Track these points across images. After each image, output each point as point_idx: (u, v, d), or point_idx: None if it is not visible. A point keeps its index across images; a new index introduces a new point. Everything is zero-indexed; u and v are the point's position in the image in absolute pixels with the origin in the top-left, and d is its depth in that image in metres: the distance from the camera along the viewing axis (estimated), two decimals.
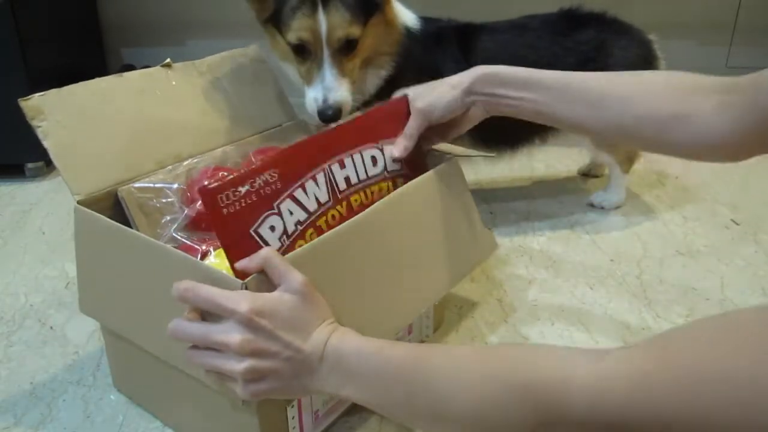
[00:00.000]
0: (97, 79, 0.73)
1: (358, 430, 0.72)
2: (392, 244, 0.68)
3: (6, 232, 1.16)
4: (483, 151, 1.15)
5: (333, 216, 0.66)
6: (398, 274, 0.68)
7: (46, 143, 0.66)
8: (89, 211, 0.66)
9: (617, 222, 1.19)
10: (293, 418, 0.63)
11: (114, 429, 0.72)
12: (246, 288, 0.53)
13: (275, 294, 0.53)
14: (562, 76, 0.68)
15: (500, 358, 0.47)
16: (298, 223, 0.62)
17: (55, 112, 0.68)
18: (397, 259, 0.68)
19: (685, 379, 0.35)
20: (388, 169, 0.73)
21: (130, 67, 1.76)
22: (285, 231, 0.61)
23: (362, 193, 0.70)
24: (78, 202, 0.67)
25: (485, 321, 0.90)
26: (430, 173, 0.74)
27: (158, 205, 0.71)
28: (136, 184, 0.71)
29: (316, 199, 0.64)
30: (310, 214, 0.63)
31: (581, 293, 0.97)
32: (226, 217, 0.56)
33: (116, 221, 0.64)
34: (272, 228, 0.59)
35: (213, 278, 0.54)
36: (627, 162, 1.22)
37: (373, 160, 0.72)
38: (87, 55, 1.67)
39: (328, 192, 0.65)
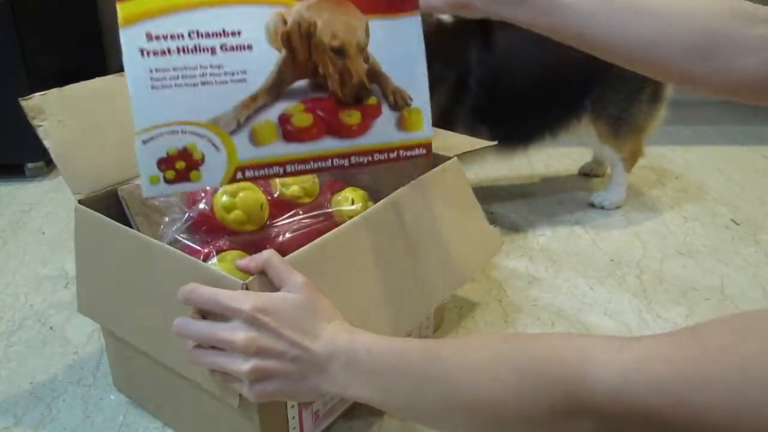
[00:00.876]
0: (97, 79, 0.73)
1: (358, 430, 0.72)
2: (395, 244, 0.68)
3: (6, 232, 1.16)
4: (495, 147, 1.16)
5: None
6: (402, 274, 0.68)
7: (47, 143, 0.66)
8: (90, 210, 0.66)
9: (617, 222, 1.19)
10: (293, 418, 0.63)
11: (114, 429, 0.72)
12: (246, 288, 0.53)
13: (279, 293, 0.53)
14: None
15: (514, 345, 0.45)
16: None
17: (56, 112, 0.68)
18: (401, 259, 0.68)
19: (722, 372, 0.34)
20: None
21: None
22: None
23: None
24: (79, 202, 0.67)
25: (485, 321, 0.90)
26: (431, 173, 0.74)
27: (157, 203, 0.71)
28: (138, 182, 0.71)
29: None
30: None
31: (581, 293, 0.97)
32: None
33: (117, 221, 0.64)
34: None
35: (214, 279, 0.54)
36: (630, 160, 1.22)
37: None
38: (87, 55, 1.67)
39: None
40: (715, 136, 1.62)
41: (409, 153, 0.65)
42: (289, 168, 0.60)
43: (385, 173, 0.81)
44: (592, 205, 1.24)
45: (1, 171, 1.38)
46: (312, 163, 0.61)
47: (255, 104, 0.58)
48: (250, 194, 0.70)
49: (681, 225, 1.18)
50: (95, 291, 0.69)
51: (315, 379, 0.51)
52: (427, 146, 0.66)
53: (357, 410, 0.73)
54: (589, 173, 1.40)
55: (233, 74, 0.57)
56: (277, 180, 0.75)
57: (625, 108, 1.15)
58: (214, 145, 0.57)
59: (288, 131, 0.59)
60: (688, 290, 0.97)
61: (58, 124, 0.68)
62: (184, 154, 0.56)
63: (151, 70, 0.54)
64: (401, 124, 0.65)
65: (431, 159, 0.67)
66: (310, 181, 0.77)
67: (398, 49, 0.64)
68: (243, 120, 0.57)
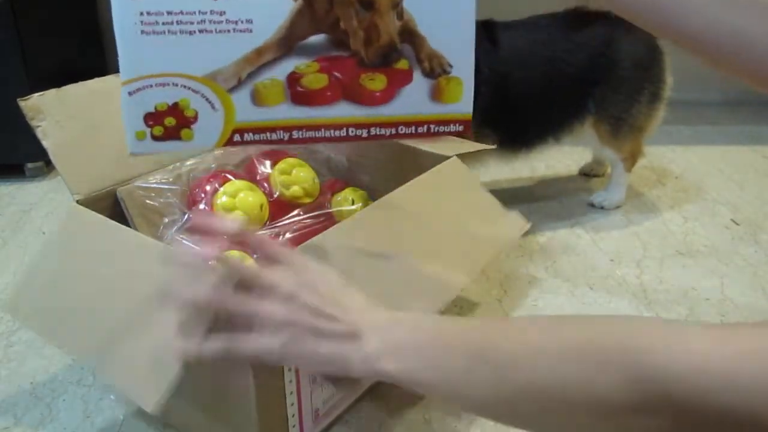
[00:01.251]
0: (97, 79, 0.73)
1: (357, 429, 0.72)
2: (409, 233, 0.67)
3: (6, 232, 1.16)
4: (498, 151, 1.16)
5: None
6: (417, 262, 0.67)
7: (45, 143, 0.66)
8: (83, 208, 0.66)
9: (617, 222, 1.19)
10: (293, 416, 0.63)
11: (114, 429, 0.72)
12: None
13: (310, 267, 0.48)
14: None
15: (585, 324, 0.39)
16: None
17: (54, 112, 0.68)
18: (416, 248, 0.67)
19: None
20: None
21: None
22: None
23: None
24: (77, 202, 0.67)
25: None
26: (431, 171, 0.74)
27: (157, 204, 0.71)
28: (137, 183, 0.71)
29: None
30: None
31: (581, 293, 0.97)
32: None
33: (116, 222, 0.64)
34: None
35: None
36: (630, 160, 1.22)
37: None
38: (87, 55, 1.67)
39: None
40: (715, 136, 1.62)
41: (442, 128, 0.57)
42: (295, 134, 0.54)
43: (386, 173, 0.81)
44: (592, 205, 1.24)
45: (1, 171, 1.38)
46: (323, 131, 0.55)
47: (260, 59, 0.52)
48: (249, 195, 0.70)
49: (681, 225, 1.18)
50: (40, 294, 0.66)
51: (346, 346, 0.45)
52: (466, 122, 0.58)
53: (357, 410, 0.73)
54: (589, 173, 1.40)
55: (237, 23, 0.51)
56: (278, 180, 0.75)
57: (625, 108, 1.15)
58: (209, 102, 0.51)
59: (297, 92, 0.53)
60: (688, 290, 0.97)
61: (57, 124, 0.68)
62: (175, 109, 0.51)
63: (141, 14, 0.48)
64: (435, 95, 0.56)
65: (470, 133, 0.61)
66: (310, 181, 0.77)
67: (441, 7, 0.54)
68: (245, 76, 0.52)
